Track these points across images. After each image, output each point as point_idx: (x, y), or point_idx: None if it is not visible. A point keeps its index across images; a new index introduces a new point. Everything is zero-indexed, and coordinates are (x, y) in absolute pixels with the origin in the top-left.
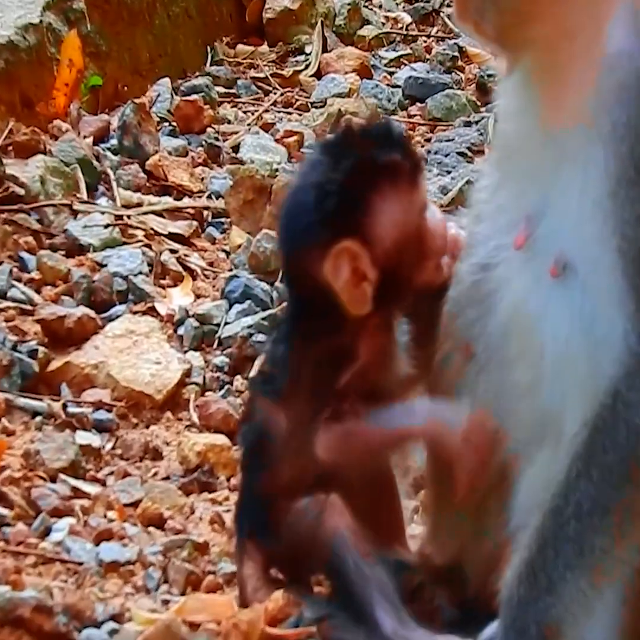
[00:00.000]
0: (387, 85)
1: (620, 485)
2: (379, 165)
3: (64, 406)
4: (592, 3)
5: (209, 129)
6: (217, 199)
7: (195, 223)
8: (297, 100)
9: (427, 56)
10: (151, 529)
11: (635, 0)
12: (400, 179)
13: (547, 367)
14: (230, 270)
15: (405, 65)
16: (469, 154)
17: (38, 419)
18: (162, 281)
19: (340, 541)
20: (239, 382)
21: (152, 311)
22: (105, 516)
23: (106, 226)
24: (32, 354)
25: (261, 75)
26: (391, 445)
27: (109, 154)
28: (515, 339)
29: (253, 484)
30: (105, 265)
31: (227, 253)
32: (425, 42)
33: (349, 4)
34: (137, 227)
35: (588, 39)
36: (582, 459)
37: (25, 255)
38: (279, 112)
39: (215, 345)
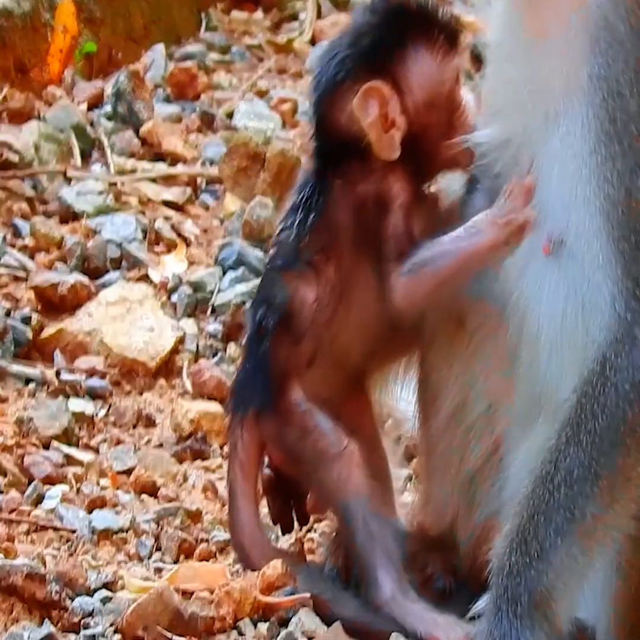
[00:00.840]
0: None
1: (610, 450)
2: (420, 17)
3: (57, 373)
4: None
5: (203, 96)
6: (211, 165)
7: (189, 190)
8: (291, 67)
9: None
10: (144, 496)
11: None
12: (437, 37)
13: (544, 342)
14: (224, 237)
15: None
16: None
17: (31, 385)
18: (155, 248)
19: (354, 493)
20: (232, 349)
21: (145, 278)
22: (98, 483)
23: (100, 193)
24: (26, 320)
25: (255, 42)
26: (468, 261)
27: (103, 120)
28: (511, 317)
29: (265, 360)
30: (99, 232)
31: (221, 220)
32: None
33: None
34: (130, 194)
35: None
36: (572, 426)
37: (18, 221)
38: (273, 79)
39: (208, 313)
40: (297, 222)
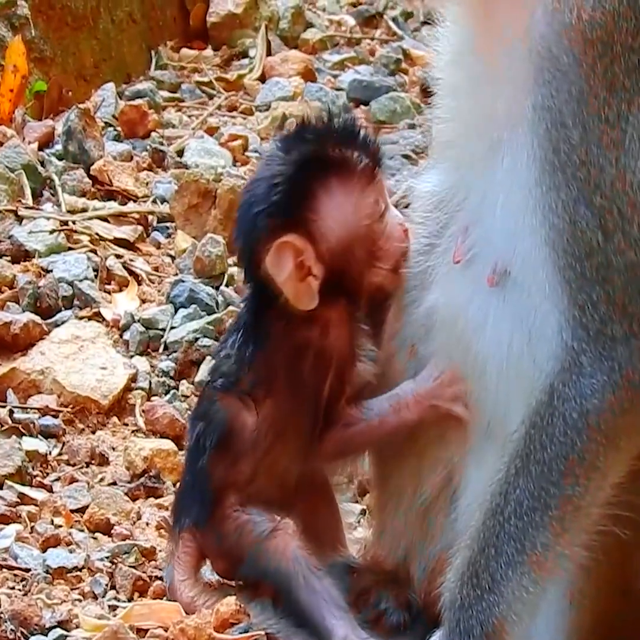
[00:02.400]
0: (331, 88)
1: (559, 480)
2: (329, 160)
3: (10, 412)
4: None
5: (153, 134)
6: (162, 203)
7: (140, 228)
8: (241, 104)
9: (371, 59)
10: (98, 534)
11: None
12: (351, 177)
13: (491, 373)
14: (176, 274)
15: (349, 68)
16: (413, 156)
17: None
18: (107, 286)
19: (292, 558)
20: (185, 386)
21: (97, 316)
22: (52, 522)
23: (51, 232)
24: None
25: (205, 79)
26: (393, 433)
27: (54, 159)
28: (457, 348)
29: (203, 476)
30: (51, 271)
31: (172, 257)
32: (369, 44)
33: (292, 8)
34: (82, 233)
35: (512, 16)
36: (521, 456)
37: None
38: (223, 116)
39: (161, 350)
40: (238, 345)
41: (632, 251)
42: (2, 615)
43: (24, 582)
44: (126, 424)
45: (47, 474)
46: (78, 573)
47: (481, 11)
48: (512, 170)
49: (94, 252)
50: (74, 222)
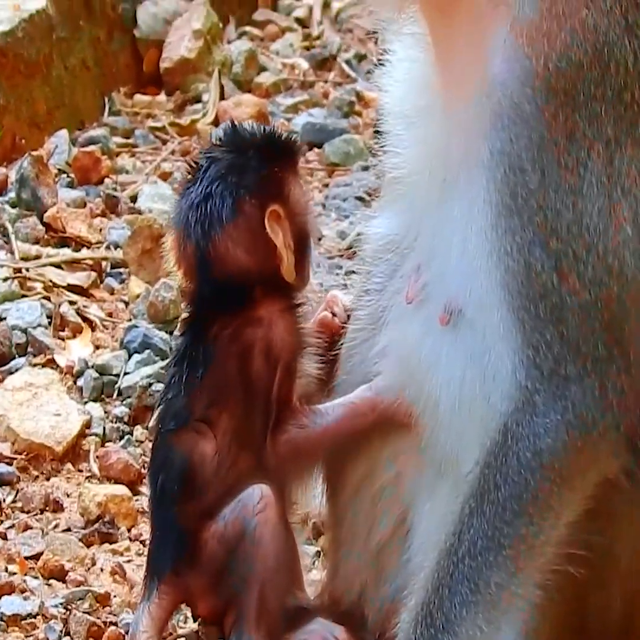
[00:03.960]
0: (285, 131)
1: (513, 519)
2: (284, 148)
3: None
4: (474, 24)
5: (107, 180)
6: (115, 249)
7: (94, 274)
8: (195, 148)
9: (325, 102)
10: (52, 581)
11: (512, 27)
12: (298, 170)
13: (443, 413)
14: (129, 320)
15: (303, 111)
16: (367, 198)
17: None
18: (61, 333)
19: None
20: (139, 431)
21: (51, 363)
22: (6, 569)
23: (5, 279)
24: None
25: (159, 124)
26: (347, 438)
27: (7, 206)
28: (411, 388)
29: (173, 522)
30: (5, 319)
31: (126, 303)
32: (322, 87)
33: (245, 52)
34: (36, 280)
35: (470, 60)
36: (475, 497)
37: None
38: (176, 161)
39: (115, 396)
40: (183, 378)
41: (586, 291)
42: None
43: None
44: (80, 470)
45: (1, 521)
46: (32, 620)
47: (439, 51)
48: (467, 212)
49: (48, 299)
50: (27, 270)
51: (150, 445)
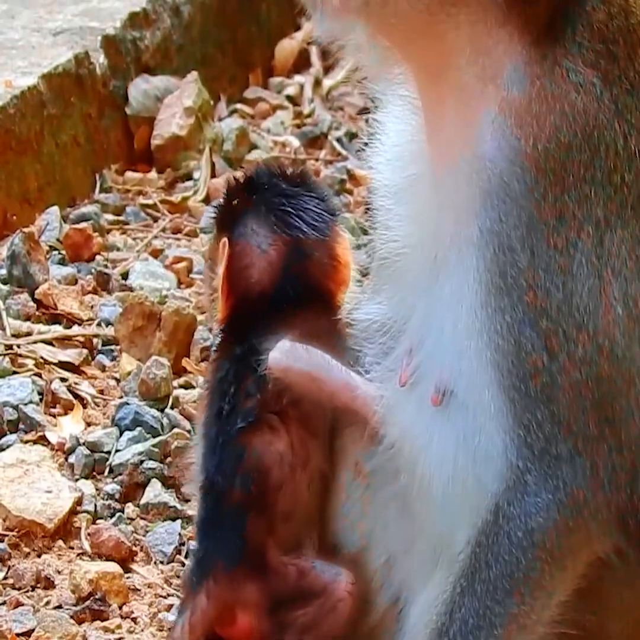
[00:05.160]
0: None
1: (504, 598)
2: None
3: None
4: (464, 102)
5: (98, 257)
6: (107, 326)
7: (85, 351)
8: (185, 226)
9: (316, 179)
10: None
11: (501, 107)
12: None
13: (435, 494)
14: (121, 397)
15: None
16: (359, 276)
17: None
18: (52, 410)
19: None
20: (130, 509)
21: (43, 440)
22: None
23: None
24: None
25: (150, 201)
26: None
27: None
28: (403, 469)
29: (239, 522)
30: None
31: (117, 380)
32: (313, 165)
33: (236, 129)
34: (27, 356)
35: (460, 137)
36: (466, 576)
37: None
38: (168, 238)
39: (106, 473)
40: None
41: (576, 370)
42: None
43: None
44: (72, 547)
45: None
46: None
47: (429, 127)
48: (457, 291)
49: (39, 375)
50: (18, 346)
51: (141, 523)
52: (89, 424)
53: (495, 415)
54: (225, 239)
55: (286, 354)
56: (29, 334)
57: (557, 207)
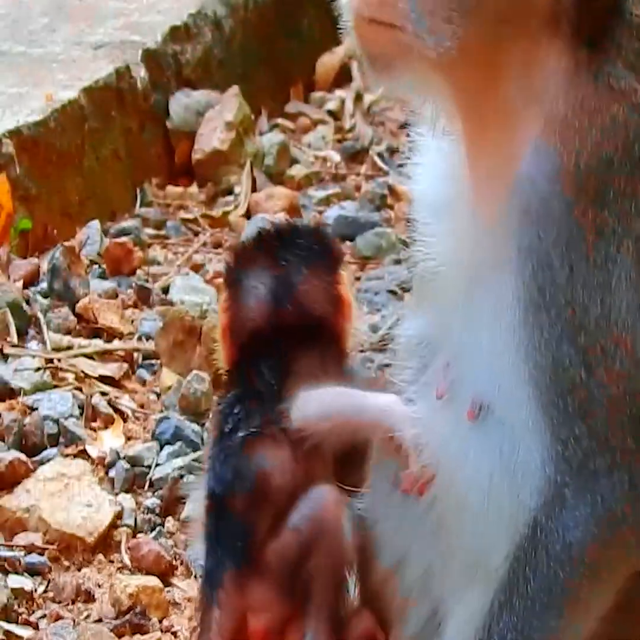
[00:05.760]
0: (316, 224)
1: (542, 613)
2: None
3: None
4: (505, 120)
5: (138, 271)
6: (147, 340)
7: (125, 365)
8: (226, 240)
9: (357, 195)
10: None
11: (543, 124)
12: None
13: (472, 509)
14: (161, 411)
15: (335, 203)
16: (399, 291)
17: None
18: (93, 424)
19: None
20: (170, 523)
21: (83, 454)
22: None
23: (37, 369)
24: None
25: (190, 216)
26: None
27: (38, 297)
28: (439, 484)
29: (243, 529)
30: (36, 409)
31: (158, 394)
32: (354, 180)
33: (277, 144)
34: (67, 370)
35: (500, 155)
36: (504, 591)
37: None
38: (208, 253)
39: (146, 487)
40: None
41: (614, 385)
42: None
43: None
44: (112, 561)
45: (33, 611)
46: None
47: (469, 145)
48: (495, 308)
49: (79, 389)
50: (59, 360)
51: (181, 537)
52: (129, 438)
53: (533, 431)
54: (224, 293)
55: (305, 407)
56: (69, 347)
57: (596, 223)
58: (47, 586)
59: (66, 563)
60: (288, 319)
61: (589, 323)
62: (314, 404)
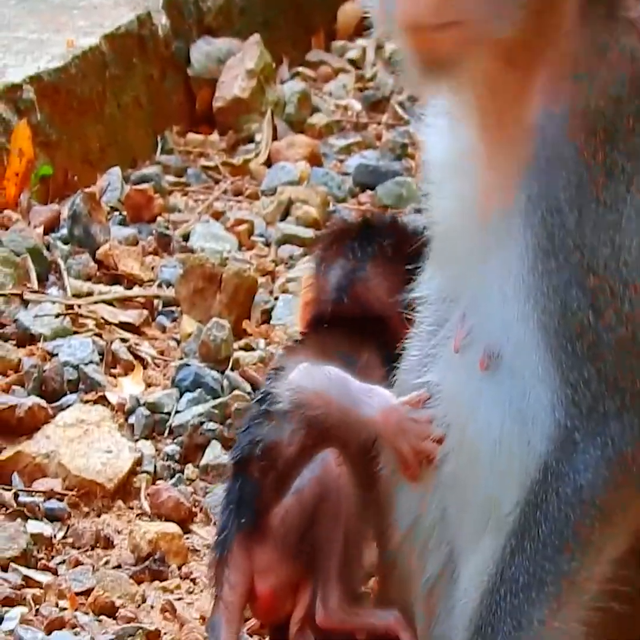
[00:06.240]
0: (338, 172)
1: (554, 556)
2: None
3: (16, 496)
4: (514, 68)
5: (159, 218)
6: (167, 287)
7: (145, 312)
8: (247, 188)
9: (377, 143)
10: (103, 617)
11: (551, 70)
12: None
13: (484, 457)
14: (181, 358)
15: (356, 152)
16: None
17: None
18: (113, 370)
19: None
20: (190, 470)
21: (103, 400)
22: (57, 605)
23: (57, 316)
24: None
25: (211, 163)
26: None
27: (59, 243)
28: (452, 434)
29: (254, 490)
30: (56, 355)
31: (178, 341)
32: (375, 129)
33: (298, 92)
34: (87, 317)
35: (508, 104)
36: (516, 535)
37: None
38: (229, 200)
39: (166, 434)
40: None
41: (623, 327)
42: None
43: None
44: (131, 508)
45: (52, 557)
46: None
47: (477, 95)
48: (504, 259)
49: (99, 336)
50: (79, 306)
51: (201, 484)
52: (149, 385)
53: (543, 377)
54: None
55: (302, 376)
56: (89, 294)
57: (606, 165)
58: (66, 532)
59: (86, 509)
60: (354, 307)
61: (597, 265)
62: (312, 378)
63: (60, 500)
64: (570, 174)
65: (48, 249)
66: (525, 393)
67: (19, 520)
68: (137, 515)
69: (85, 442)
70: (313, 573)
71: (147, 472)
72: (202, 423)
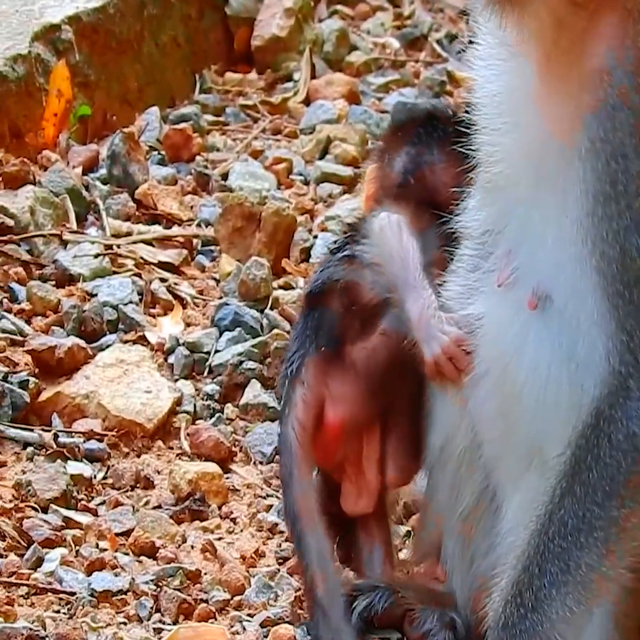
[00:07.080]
0: (376, 111)
1: (604, 501)
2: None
3: (55, 436)
4: (580, 12)
5: (198, 157)
6: (206, 227)
7: (185, 251)
8: (285, 127)
9: (416, 81)
10: (143, 558)
11: (621, 16)
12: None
13: (529, 395)
14: (220, 298)
15: (394, 90)
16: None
17: (29, 449)
18: (152, 310)
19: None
20: (229, 409)
21: (142, 340)
22: (97, 546)
23: (96, 256)
24: (23, 384)
25: (250, 102)
26: None
27: (98, 183)
28: (496, 372)
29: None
30: (96, 295)
31: (217, 281)
32: (413, 67)
33: (337, 31)
34: (126, 257)
35: (573, 49)
36: (566, 478)
37: (15, 286)
38: (267, 139)
39: (205, 374)
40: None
41: None
42: (47, 639)
43: (68, 606)
44: (171, 448)
45: (92, 497)
46: (123, 596)
47: (539, 39)
48: (562, 200)
49: (139, 276)
50: (118, 246)
51: (241, 423)
52: (188, 325)
53: (598, 322)
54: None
55: (386, 225)
56: (128, 234)
57: None
58: (106, 473)
59: (125, 449)
60: (419, 190)
61: None
62: (391, 232)
63: (100, 440)
64: (637, 120)
65: (87, 189)
66: (578, 337)
67: (58, 461)
68: (177, 455)
69: (125, 383)
70: (384, 423)
71: (187, 412)
72: (241, 362)
